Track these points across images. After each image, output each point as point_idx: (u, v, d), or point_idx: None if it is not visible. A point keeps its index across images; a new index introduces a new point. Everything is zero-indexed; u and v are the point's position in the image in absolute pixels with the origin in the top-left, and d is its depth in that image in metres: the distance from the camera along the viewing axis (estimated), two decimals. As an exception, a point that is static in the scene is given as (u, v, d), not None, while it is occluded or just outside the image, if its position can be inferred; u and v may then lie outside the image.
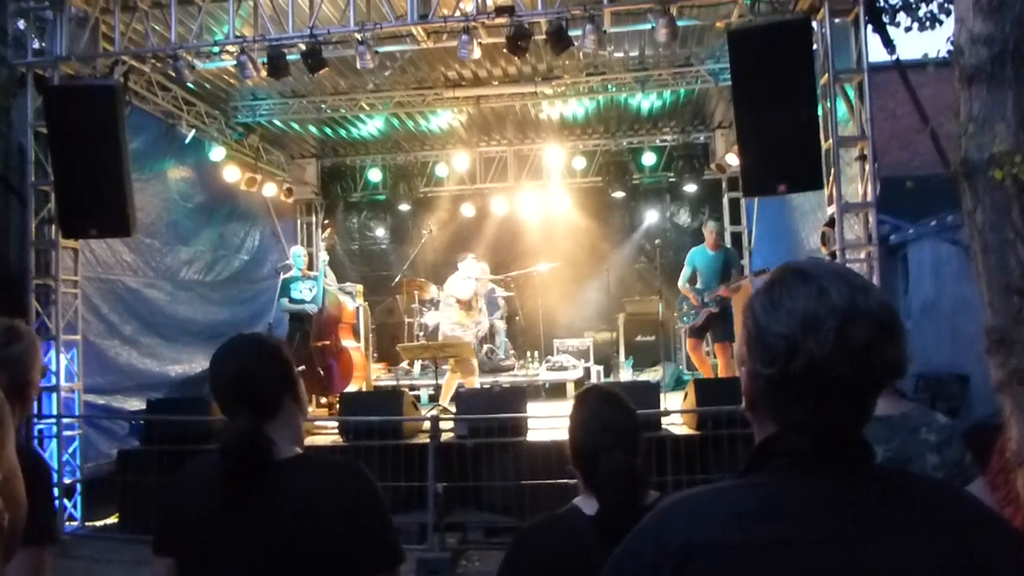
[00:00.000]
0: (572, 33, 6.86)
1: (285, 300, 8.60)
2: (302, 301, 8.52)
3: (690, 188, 11.98)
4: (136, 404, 8.37)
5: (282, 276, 8.74)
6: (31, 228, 7.42)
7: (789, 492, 1.01)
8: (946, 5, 5.49)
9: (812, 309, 1.01)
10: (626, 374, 10.46)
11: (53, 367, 7.16)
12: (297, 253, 8.97)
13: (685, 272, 8.60)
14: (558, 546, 1.87)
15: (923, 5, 5.60)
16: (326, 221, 11.05)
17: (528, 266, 10.67)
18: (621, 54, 9.20)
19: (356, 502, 1.69)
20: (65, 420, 7.25)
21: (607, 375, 10.48)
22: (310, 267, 9.10)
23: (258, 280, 11.51)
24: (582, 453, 1.94)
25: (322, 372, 8.55)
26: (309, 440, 7.44)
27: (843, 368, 0.99)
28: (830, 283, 1.03)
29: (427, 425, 6.69)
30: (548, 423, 7.43)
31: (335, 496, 1.68)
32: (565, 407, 8.18)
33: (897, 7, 6.01)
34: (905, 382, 8.75)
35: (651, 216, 12.66)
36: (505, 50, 7.14)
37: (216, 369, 1.82)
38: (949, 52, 3.84)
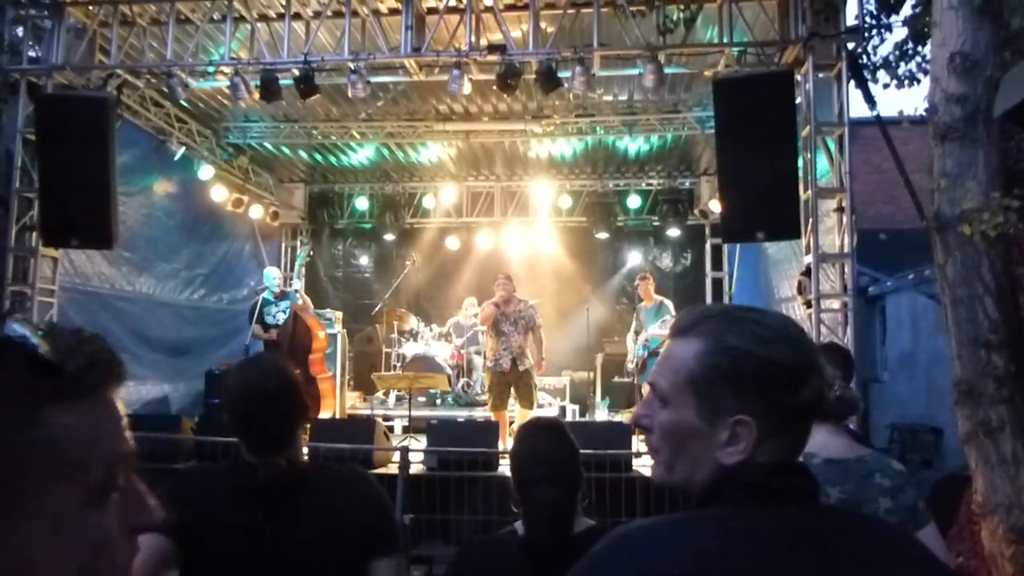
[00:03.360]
0: (562, 74, 6.98)
1: (258, 327, 8.44)
2: (276, 326, 8.43)
3: (673, 232, 12.11)
4: (103, 419, 8.24)
5: (259, 297, 8.57)
6: (11, 234, 7.38)
7: (749, 524, 0.98)
8: (924, 65, 5.64)
9: (793, 333, 1.02)
10: (602, 414, 10.44)
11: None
12: (270, 275, 8.84)
13: (634, 325, 8.95)
14: (498, 564, 2.00)
15: (902, 64, 5.76)
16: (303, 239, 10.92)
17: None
18: (610, 97, 9.36)
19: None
20: (30, 431, 7.10)
21: (583, 415, 10.46)
22: (283, 292, 8.86)
23: (236, 301, 11.45)
24: (517, 481, 2.04)
25: None
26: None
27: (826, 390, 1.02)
28: (767, 313, 1.06)
29: (397, 455, 6.64)
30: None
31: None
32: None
33: (878, 65, 6.17)
34: (879, 432, 8.81)
35: (634, 258, 12.76)
36: (495, 87, 7.25)
37: (249, 400, 1.88)
38: (926, 110, 3.94)
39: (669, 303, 8.76)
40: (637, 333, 8.71)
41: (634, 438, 7.30)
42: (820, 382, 1.02)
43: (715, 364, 1.03)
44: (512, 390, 7.83)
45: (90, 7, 7.45)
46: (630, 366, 8.55)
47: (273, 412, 1.86)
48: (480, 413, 9.90)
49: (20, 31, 7.55)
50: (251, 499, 1.80)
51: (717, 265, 12.39)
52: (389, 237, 12.86)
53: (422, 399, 10.23)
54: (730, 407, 1.02)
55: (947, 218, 3.59)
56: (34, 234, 7.39)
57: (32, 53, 7.58)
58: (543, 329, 8.13)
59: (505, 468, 6.86)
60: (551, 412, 10.02)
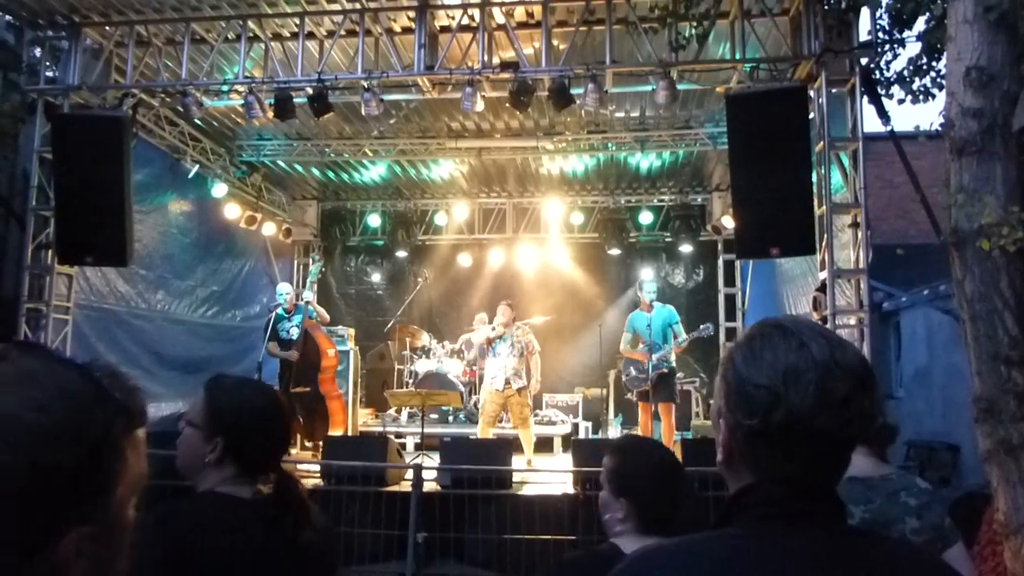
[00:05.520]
0: (574, 91, 6.99)
1: (273, 344, 8.39)
2: (290, 342, 8.40)
3: (686, 248, 12.07)
4: (117, 437, 8.24)
5: (272, 314, 8.54)
6: (28, 252, 7.45)
7: (763, 546, 0.99)
8: (939, 79, 5.62)
9: (793, 362, 1.01)
10: (615, 431, 10.38)
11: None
12: (281, 290, 8.76)
13: (626, 337, 8.47)
14: None
15: (916, 79, 5.73)
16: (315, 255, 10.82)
17: (522, 319, 10.67)
18: (622, 114, 9.38)
19: None
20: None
21: (595, 431, 10.41)
22: (295, 306, 8.73)
23: (249, 318, 11.49)
24: (653, 497, 1.99)
25: (301, 419, 8.43)
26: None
27: (823, 420, 0.99)
28: (810, 338, 1.03)
29: (410, 473, 6.61)
30: (534, 477, 7.35)
31: None
32: (552, 462, 8.07)
33: (892, 80, 6.15)
34: (896, 450, 8.71)
35: (646, 274, 12.66)
36: (508, 104, 7.28)
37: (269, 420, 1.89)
38: (941, 125, 3.92)
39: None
40: (650, 348, 8.16)
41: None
42: (787, 416, 0.99)
43: (722, 366, 1.11)
44: (506, 410, 8.31)
45: (106, 28, 7.54)
46: (646, 384, 8.17)
47: (259, 435, 1.87)
48: (493, 430, 9.86)
49: (38, 52, 7.66)
50: (242, 519, 1.77)
51: (730, 281, 12.34)
52: (401, 254, 12.90)
53: (434, 416, 10.20)
54: (722, 409, 1.09)
55: (965, 233, 3.55)
56: (50, 252, 7.45)
57: (49, 73, 7.67)
58: (540, 354, 8.60)
59: (520, 488, 6.84)
60: (564, 429, 9.98)
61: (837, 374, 1.00)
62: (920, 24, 5.92)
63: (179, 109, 8.05)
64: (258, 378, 7.96)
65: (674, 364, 8.37)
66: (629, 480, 2.03)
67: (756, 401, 1.02)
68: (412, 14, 7.12)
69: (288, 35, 7.60)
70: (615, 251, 12.18)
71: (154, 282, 9.46)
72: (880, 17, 6.35)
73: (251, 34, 7.44)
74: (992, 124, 3.51)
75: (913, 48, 5.96)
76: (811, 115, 6.67)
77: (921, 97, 5.77)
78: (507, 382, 8.04)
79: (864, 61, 6.45)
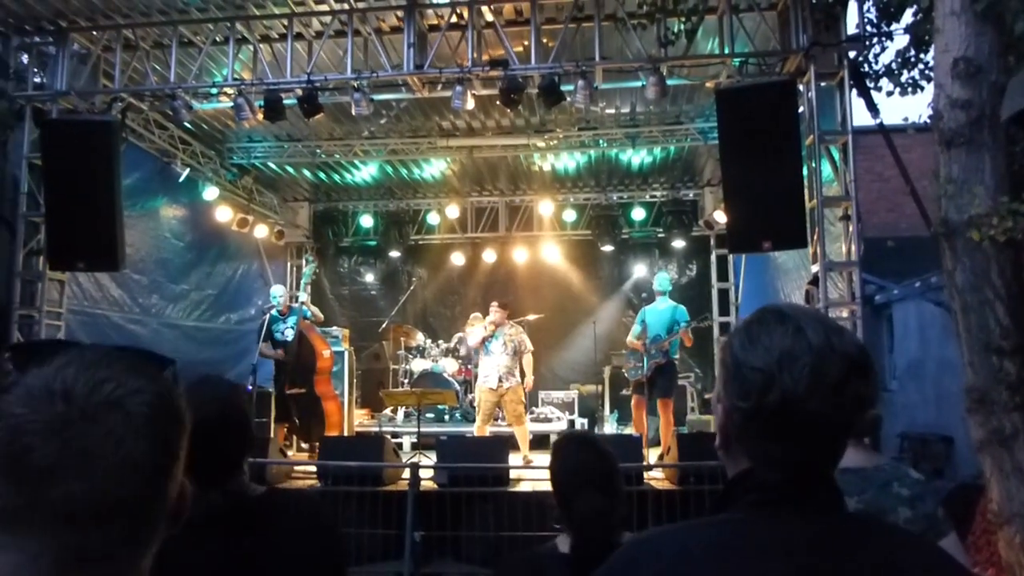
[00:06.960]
0: (564, 88, 7.00)
1: (264, 345, 8.32)
2: (285, 343, 8.41)
3: (678, 244, 12.10)
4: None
5: (267, 316, 8.51)
6: (19, 259, 7.42)
7: (760, 529, 1.00)
8: (927, 72, 5.64)
9: (788, 345, 1.02)
10: (611, 427, 10.40)
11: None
12: (274, 292, 8.73)
13: (635, 329, 8.41)
14: None
15: (904, 71, 5.75)
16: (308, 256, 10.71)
17: (515, 317, 10.69)
18: (612, 110, 9.38)
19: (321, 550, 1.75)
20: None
21: (591, 428, 10.42)
22: (289, 307, 8.75)
23: (243, 321, 11.47)
24: (561, 494, 2.06)
25: (297, 420, 8.43)
26: (288, 483, 7.34)
27: (816, 404, 1.00)
28: (807, 323, 1.04)
29: (407, 472, 6.61)
30: (531, 474, 7.35)
31: (303, 541, 1.73)
32: (548, 459, 8.17)
33: (880, 72, 6.18)
34: (889, 442, 8.74)
35: (639, 270, 12.74)
36: (498, 102, 7.27)
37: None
38: (930, 117, 3.92)
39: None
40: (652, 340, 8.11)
41: (645, 451, 7.27)
42: (781, 398, 1.01)
43: (722, 351, 1.14)
44: (500, 408, 8.37)
45: (94, 32, 7.51)
46: (641, 374, 8.09)
47: (210, 442, 1.67)
48: (489, 428, 9.86)
49: (25, 58, 7.63)
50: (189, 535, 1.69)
51: (723, 276, 12.36)
52: (394, 254, 12.89)
53: (430, 415, 10.20)
54: (720, 394, 1.12)
55: (955, 224, 3.57)
56: (41, 258, 7.43)
57: (37, 79, 7.65)
58: (533, 353, 8.58)
59: (516, 485, 6.85)
60: (560, 426, 9.99)
61: (832, 359, 1.01)
62: (907, 17, 5.94)
63: (168, 112, 8.02)
64: (253, 380, 7.96)
65: (676, 356, 8.33)
66: (557, 481, 2.10)
67: (751, 384, 1.03)
68: (401, 13, 7.10)
69: (276, 36, 7.58)
70: (608, 248, 12.20)
71: (148, 286, 9.43)
72: (867, 10, 6.38)
73: (239, 36, 7.41)
74: (980, 115, 3.52)
75: (901, 41, 5.99)
76: (800, 109, 6.68)
77: (909, 89, 5.80)
78: (500, 380, 8.12)
79: (852, 54, 6.47)
